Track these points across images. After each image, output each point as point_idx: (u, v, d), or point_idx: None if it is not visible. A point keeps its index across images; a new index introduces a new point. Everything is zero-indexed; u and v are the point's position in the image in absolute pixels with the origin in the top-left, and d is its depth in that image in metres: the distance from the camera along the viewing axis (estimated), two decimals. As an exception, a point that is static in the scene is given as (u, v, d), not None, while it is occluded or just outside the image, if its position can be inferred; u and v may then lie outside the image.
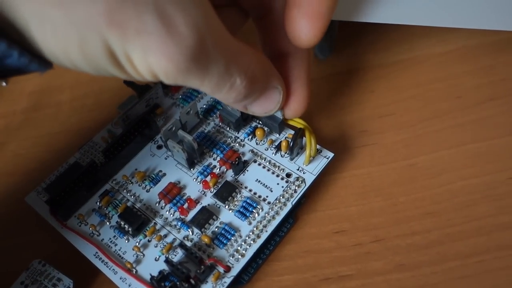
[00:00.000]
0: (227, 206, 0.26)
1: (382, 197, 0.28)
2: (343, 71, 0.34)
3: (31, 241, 0.28)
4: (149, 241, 0.25)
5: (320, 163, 0.27)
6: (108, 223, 0.26)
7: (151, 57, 0.17)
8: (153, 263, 0.24)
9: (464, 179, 0.28)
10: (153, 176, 0.27)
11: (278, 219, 0.25)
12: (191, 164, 0.27)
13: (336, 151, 0.28)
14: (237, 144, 0.28)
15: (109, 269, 0.24)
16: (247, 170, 0.27)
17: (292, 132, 0.28)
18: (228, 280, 0.23)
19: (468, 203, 0.27)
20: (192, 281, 0.23)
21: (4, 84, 0.36)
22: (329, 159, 0.27)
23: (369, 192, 0.28)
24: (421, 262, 0.25)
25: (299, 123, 0.27)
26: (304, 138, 0.27)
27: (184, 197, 0.26)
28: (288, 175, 0.27)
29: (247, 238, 0.25)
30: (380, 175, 0.29)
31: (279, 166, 0.27)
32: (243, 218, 0.25)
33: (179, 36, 0.17)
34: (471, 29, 0.27)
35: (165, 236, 0.25)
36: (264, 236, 0.25)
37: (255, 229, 0.25)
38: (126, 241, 0.25)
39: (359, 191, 0.28)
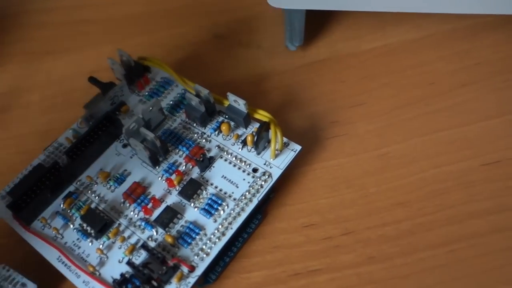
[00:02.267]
0: (192, 204, 0.25)
1: (353, 188, 0.27)
2: (314, 61, 0.33)
3: (-4, 246, 0.27)
4: (113, 243, 0.25)
5: (288, 157, 0.26)
6: (71, 226, 0.25)
7: None
8: (117, 265, 0.24)
9: (436, 167, 0.27)
10: (118, 175, 0.27)
11: (244, 215, 0.24)
12: (155, 162, 0.27)
13: (306, 143, 0.28)
14: (204, 140, 0.28)
15: (72, 272, 0.24)
16: (213, 166, 0.26)
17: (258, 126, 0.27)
18: (192, 280, 0.23)
19: (441, 191, 0.27)
20: (155, 283, 0.22)
21: (-29, 87, 0.35)
22: (297, 152, 0.26)
23: (340, 184, 0.28)
24: (392, 253, 0.25)
25: (264, 116, 0.27)
26: (270, 131, 0.26)
27: (149, 196, 0.26)
28: (255, 170, 0.26)
29: (212, 236, 0.24)
30: (351, 166, 0.28)
31: (245, 161, 0.26)
32: (208, 216, 0.25)
33: None
34: (444, 14, 0.26)
35: (129, 237, 0.25)
36: (230, 233, 0.24)
37: (220, 226, 0.24)
38: (90, 244, 0.25)
39: (330, 183, 0.28)
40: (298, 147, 0.27)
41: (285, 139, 0.27)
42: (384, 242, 0.25)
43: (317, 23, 0.35)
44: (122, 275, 0.23)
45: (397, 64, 0.33)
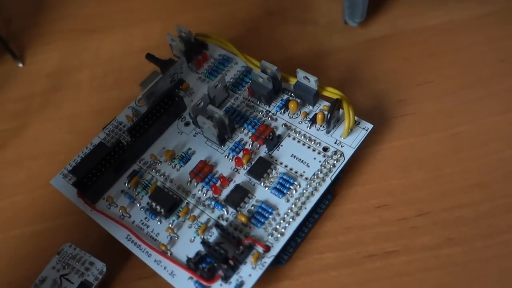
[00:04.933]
0: (262, 183, 0.24)
1: (426, 169, 0.26)
2: (375, 38, 0.32)
3: (60, 225, 0.27)
4: (182, 222, 0.24)
5: (359, 136, 0.25)
6: (138, 205, 0.25)
7: None
8: (188, 245, 0.23)
9: (513, 147, 0.26)
10: (183, 154, 0.26)
11: (317, 195, 0.24)
12: (222, 140, 0.26)
13: (373, 122, 0.26)
14: (269, 118, 0.27)
15: (143, 251, 0.23)
16: (281, 145, 0.26)
17: (326, 103, 0.26)
18: (268, 260, 0.22)
19: (519, 173, 0.25)
20: (231, 262, 0.21)
21: (20, 65, 0.35)
22: (368, 130, 0.25)
23: (411, 164, 0.27)
24: (471, 235, 0.24)
25: (334, 93, 0.26)
26: (341, 109, 0.25)
27: (216, 175, 0.25)
28: (325, 149, 0.25)
29: (285, 216, 0.23)
30: (422, 146, 0.27)
31: (315, 140, 0.25)
32: (280, 195, 0.24)
33: None
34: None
35: (199, 216, 0.24)
36: (304, 213, 0.23)
37: (293, 206, 0.23)
38: (159, 223, 0.24)
39: (400, 164, 0.27)
40: (369, 126, 0.26)
41: (355, 118, 0.26)
42: (462, 224, 0.24)
43: (377, -2, 0.33)
44: (197, 254, 0.22)
45: (463, 41, 0.31)
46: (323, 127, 0.26)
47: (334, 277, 0.24)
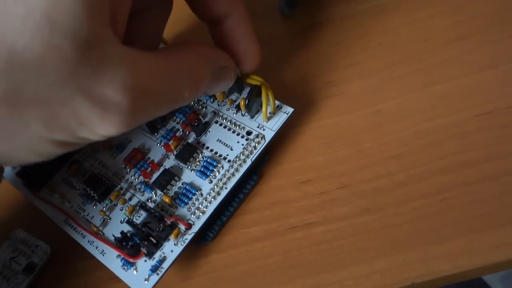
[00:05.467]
0: (188, 167, 0.26)
1: (348, 144, 0.28)
2: (309, 25, 0.34)
3: (11, 213, 0.29)
4: (115, 205, 0.26)
5: (280, 119, 0.27)
6: (77, 191, 0.27)
7: (101, 130, 0.17)
8: (118, 225, 0.25)
9: (430, 120, 0.28)
10: (119, 143, 0.28)
11: (238, 175, 0.25)
12: (153, 129, 0.28)
13: (301, 104, 0.28)
14: (200, 107, 0.28)
15: (78, 233, 0.25)
16: (209, 131, 0.27)
17: (253, 90, 0.28)
18: (189, 236, 0.24)
19: (433, 143, 0.27)
20: (153, 240, 0.23)
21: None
22: (289, 114, 0.27)
23: (335, 141, 0.28)
24: (385, 204, 0.25)
25: (256, 80, 0.27)
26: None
27: (148, 161, 0.27)
28: (249, 133, 0.27)
29: (207, 196, 0.25)
30: (346, 124, 0.29)
31: (239, 125, 0.27)
32: (204, 177, 0.26)
33: (114, 106, 0.17)
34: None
35: (130, 199, 0.26)
36: (224, 193, 0.25)
37: (215, 187, 0.25)
38: (94, 207, 0.26)
39: (325, 141, 0.28)
40: (290, 109, 0.27)
41: (277, 102, 0.27)
42: (378, 194, 0.26)
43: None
44: (122, 233, 0.24)
45: (392, 23, 0.32)
46: (247, 113, 0.27)
47: (259, 248, 0.26)
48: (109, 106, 0.17)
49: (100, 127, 0.17)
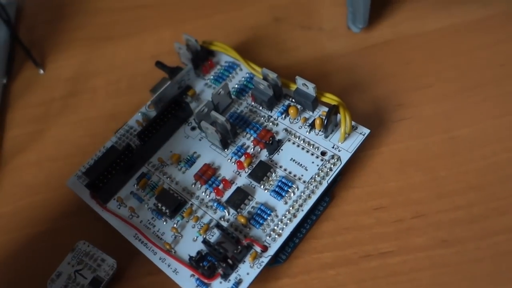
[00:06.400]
0: (262, 186, 0.26)
1: (422, 171, 0.27)
2: (377, 43, 0.33)
3: (75, 223, 0.28)
4: (186, 222, 0.25)
5: (356, 140, 0.26)
6: (146, 205, 0.26)
7: None
8: (191, 244, 0.25)
9: (509, 151, 0.27)
10: (188, 157, 0.27)
11: (314, 197, 0.25)
12: (225, 144, 0.27)
13: (372, 126, 0.27)
14: (271, 123, 0.28)
15: (149, 249, 0.25)
16: (282, 149, 0.27)
17: (326, 109, 0.27)
18: (265, 259, 0.23)
19: (514, 176, 0.26)
20: (230, 261, 0.23)
21: (41, 71, 0.37)
22: (365, 135, 0.26)
23: (408, 166, 0.27)
24: (465, 237, 0.25)
25: (332, 99, 0.27)
26: (338, 114, 0.26)
27: (219, 178, 0.26)
28: (323, 153, 0.26)
29: (283, 217, 0.24)
30: (419, 149, 0.28)
31: (313, 145, 0.26)
32: (278, 198, 0.25)
33: None
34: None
35: (202, 217, 0.25)
36: (300, 215, 0.24)
37: (291, 208, 0.25)
38: (164, 223, 0.25)
39: (398, 166, 0.27)
40: (366, 131, 0.26)
41: (353, 123, 0.27)
42: (456, 226, 0.25)
43: (379, 3, 0.34)
44: (199, 252, 0.24)
45: (464, 44, 0.32)
46: (322, 132, 0.27)
47: (331, 275, 0.25)
48: None
49: None
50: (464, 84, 0.30)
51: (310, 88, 0.27)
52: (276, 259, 0.25)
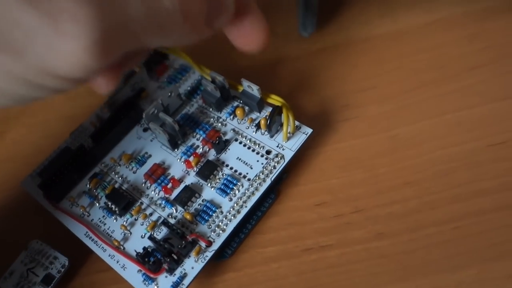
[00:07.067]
0: (209, 184, 0.27)
1: (363, 169, 0.28)
2: (326, 47, 0.34)
3: (29, 223, 0.29)
4: (135, 220, 0.26)
5: (299, 139, 0.27)
6: (97, 204, 0.27)
7: (62, 53, 0.15)
8: (139, 240, 0.26)
9: (444, 148, 0.28)
10: (139, 158, 0.28)
11: (258, 194, 0.26)
12: (174, 145, 0.28)
13: (318, 126, 0.29)
14: (220, 124, 0.29)
15: (99, 247, 0.26)
16: (229, 149, 0.28)
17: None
18: (209, 254, 0.24)
19: (447, 171, 0.27)
20: (175, 256, 0.24)
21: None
22: (308, 134, 0.28)
23: (351, 164, 0.29)
24: (399, 230, 0.26)
25: (277, 100, 0.28)
26: (282, 115, 0.28)
27: (168, 177, 0.27)
28: (268, 152, 0.27)
29: (227, 213, 0.26)
30: (361, 148, 0.29)
31: (259, 144, 0.28)
32: (224, 195, 0.26)
33: (68, 12, 0.14)
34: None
35: (151, 214, 0.26)
36: (244, 211, 0.25)
37: (235, 205, 0.26)
38: (114, 221, 0.26)
39: (341, 164, 0.29)
40: (309, 130, 0.28)
41: (297, 123, 0.28)
42: (392, 219, 0.26)
43: (328, 9, 0.36)
44: (144, 248, 0.25)
45: (408, 48, 0.33)
46: (267, 132, 0.28)
47: (274, 268, 0.26)
48: (60, 13, 0.14)
49: (59, 44, 0.14)
50: (406, 85, 0.31)
51: (255, 90, 0.28)
52: (222, 254, 0.26)
